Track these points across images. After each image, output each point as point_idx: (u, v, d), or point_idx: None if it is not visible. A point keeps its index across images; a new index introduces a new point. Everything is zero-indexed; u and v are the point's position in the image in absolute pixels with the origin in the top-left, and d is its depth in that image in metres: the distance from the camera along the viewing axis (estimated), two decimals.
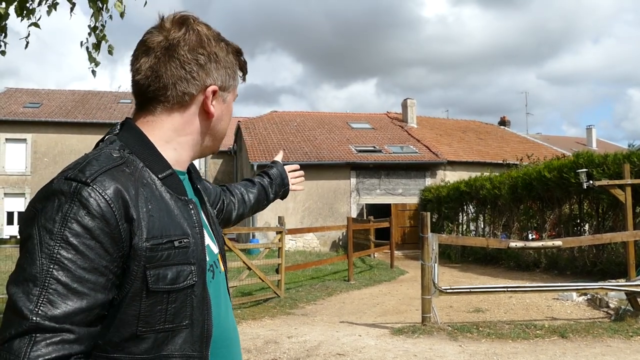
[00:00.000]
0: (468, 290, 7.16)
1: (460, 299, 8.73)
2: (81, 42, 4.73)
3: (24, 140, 25.36)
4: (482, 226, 16.69)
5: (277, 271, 9.43)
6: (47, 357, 0.80)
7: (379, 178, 20.83)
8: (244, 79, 1.17)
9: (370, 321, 7.53)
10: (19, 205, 24.87)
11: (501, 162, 20.72)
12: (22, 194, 25.02)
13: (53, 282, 0.83)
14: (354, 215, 20.03)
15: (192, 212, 1.03)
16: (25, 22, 4.12)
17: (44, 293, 0.82)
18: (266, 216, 19.82)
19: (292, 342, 6.23)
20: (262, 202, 1.77)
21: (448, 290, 7.02)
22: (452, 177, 20.62)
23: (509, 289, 7.12)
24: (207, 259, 1.04)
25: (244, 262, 8.46)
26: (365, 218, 18.70)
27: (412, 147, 22.22)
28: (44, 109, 26.59)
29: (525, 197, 13.96)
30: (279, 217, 9.97)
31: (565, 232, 12.73)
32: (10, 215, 25.02)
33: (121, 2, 3.93)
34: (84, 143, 25.60)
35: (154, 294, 0.92)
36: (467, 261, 15.50)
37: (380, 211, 20.84)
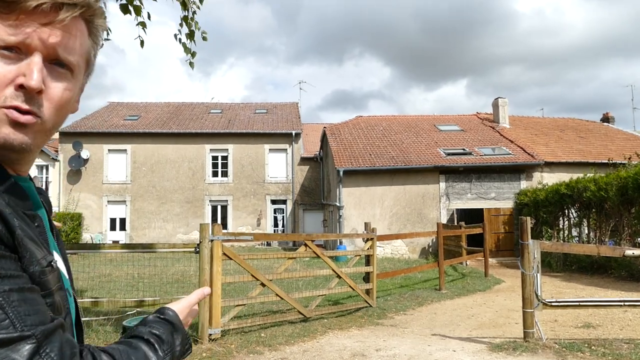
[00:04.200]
0: (577, 303, 6.46)
1: (566, 312, 7.97)
2: (175, 35, 4.75)
3: (125, 150, 26.87)
4: (587, 232, 15.41)
5: (365, 279, 9.10)
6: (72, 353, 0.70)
7: (470, 182, 19.94)
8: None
9: (465, 335, 7.01)
10: (121, 212, 26.47)
11: (606, 161, 19.12)
12: (123, 202, 26.57)
13: (6, 294, 0.67)
14: (443, 220, 19.31)
15: (38, 229, 0.81)
16: (131, 26, 4.21)
17: (8, 310, 0.66)
18: (353, 222, 19.59)
19: (380, 355, 5.88)
20: None
21: (553, 303, 6.36)
22: (550, 179, 19.33)
23: (627, 303, 6.33)
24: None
25: (333, 270, 8.21)
26: (455, 224, 17.94)
27: (504, 148, 21.09)
28: (142, 121, 28.09)
29: (638, 198, 12.68)
30: (365, 223, 9.65)
31: None
32: (112, 221, 26.64)
33: None
34: (178, 152, 26.76)
35: None
36: (570, 270, 14.36)
37: (472, 216, 19.96)
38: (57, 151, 26.53)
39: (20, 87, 0.74)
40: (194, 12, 4.45)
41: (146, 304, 6.61)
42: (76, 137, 26.33)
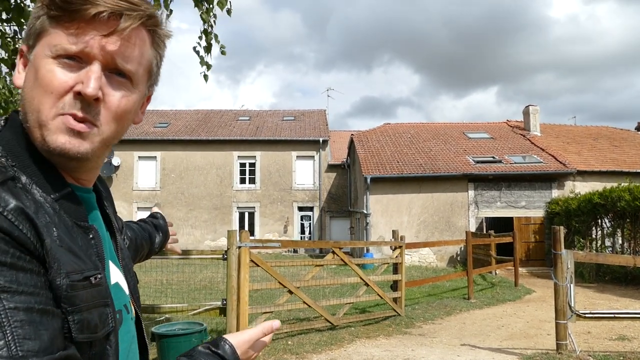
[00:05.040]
0: (611, 315, 6.28)
1: (600, 324, 7.76)
2: (194, 48, 4.77)
3: (154, 157, 27.29)
4: (620, 242, 15.01)
5: (393, 287, 9.03)
6: None
7: (499, 190, 19.64)
8: (55, 10, 0.74)
9: (495, 345, 6.89)
10: None
11: None
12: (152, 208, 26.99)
13: (12, 312, 0.62)
14: (472, 229, 19.04)
15: (93, 241, 0.80)
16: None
17: (8, 331, 0.61)
18: (380, 230, 19.48)
19: None
20: (143, 252, 1.44)
21: (587, 315, 6.20)
22: (582, 188, 18.90)
23: None
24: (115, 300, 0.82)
25: (361, 278, 8.17)
26: (485, 232, 17.66)
27: (535, 156, 20.73)
28: (171, 128, 28.50)
29: None
30: (393, 230, 9.58)
31: None
32: None
33: (225, 1, 3.90)
34: (206, 159, 27.06)
35: (82, 346, 0.71)
36: (603, 281, 14.00)
37: (502, 225, 19.64)
38: None
39: (78, 95, 0.74)
40: (211, 26, 4.44)
41: (175, 310, 6.67)
42: None
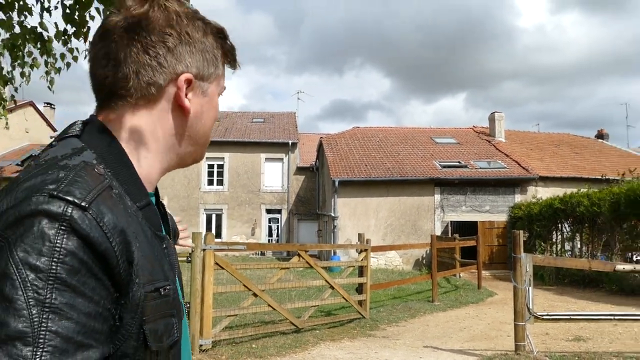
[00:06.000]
0: (568, 317, 6.49)
1: (558, 325, 8.00)
2: None
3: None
4: (579, 246, 15.49)
5: (358, 290, 9.11)
6: None
7: (465, 194, 20.01)
8: (233, 67, 0.95)
9: (457, 347, 7.03)
10: None
11: (600, 177, 19.24)
12: None
13: (50, 336, 0.61)
14: (438, 233, 19.35)
15: (167, 251, 0.83)
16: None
17: (39, 352, 0.60)
18: (348, 233, 19.60)
19: None
20: None
21: (545, 317, 6.39)
22: (544, 193, 19.41)
23: (616, 317, 6.36)
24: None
25: (326, 280, 8.22)
26: (450, 236, 17.97)
27: (500, 162, 21.20)
28: None
29: (630, 215, 12.78)
30: (359, 234, 9.67)
31: None
32: None
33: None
34: None
35: (150, 355, 0.73)
36: (562, 283, 14.41)
37: (466, 229, 19.98)
38: None
39: None
40: None
41: None
42: None
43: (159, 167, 0.86)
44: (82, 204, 0.66)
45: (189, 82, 0.84)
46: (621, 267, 6.40)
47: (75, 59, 4.32)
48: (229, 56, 0.92)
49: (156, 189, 0.92)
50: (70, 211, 0.65)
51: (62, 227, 0.64)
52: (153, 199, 0.87)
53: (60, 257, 0.63)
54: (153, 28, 0.80)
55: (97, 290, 0.66)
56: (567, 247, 16.18)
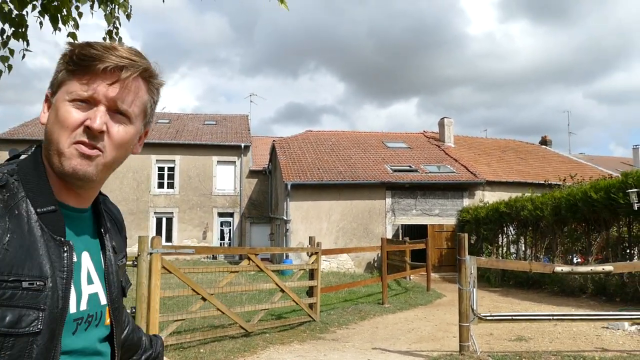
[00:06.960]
0: (510, 317, 6.71)
1: (501, 326, 8.25)
2: None
3: None
4: (524, 249, 16.03)
5: (309, 293, 9.13)
6: None
7: (415, 198, 20.38)
8: (72, 65, 0.97)
9: (405, 348, 7.14)
10: None
11: (543, 182, 20.01)
12: None
13: None
14: (389, 236, 19.62)
15: (65, 254, 0.94)
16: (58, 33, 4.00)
17: None
18: (300, 236, 19.61)
19: None
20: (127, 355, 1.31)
21: (488, 318, 6.58)
22: (491, 197, 20.00)
23: (555, 317, 6.62)
24: (83, 309, 0.97)
25: (276, 283, 8.19)
26: (400, 239, 18.26)
27: (449, 166, 21.72)
28: None
29: (570, 218, 13.32)
30: (310, 237, 9.70)
31: (614, 256, 12.02)
32: None
33: (127, 3, 3.82)
34: (122, 163, 26.02)
35: None
36: (507, 285, 14.86)
37: (416, 232, 20.36)
38: None
39: (87, 129, 0.95)
40: (117, 28, 4.28)
41: None
42: (13, 144, 25.25)
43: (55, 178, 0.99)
44: None
45: (46, 98, 1.02)
46: (559, 269, 6.66)
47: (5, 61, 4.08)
48: (67, 58, 0.98)
49: (103, 198, 1.13)
50: None
51: None
52: (83, 214, 1.04)
53: None
54: None
55: None
56: (513, 249, 16.69)
